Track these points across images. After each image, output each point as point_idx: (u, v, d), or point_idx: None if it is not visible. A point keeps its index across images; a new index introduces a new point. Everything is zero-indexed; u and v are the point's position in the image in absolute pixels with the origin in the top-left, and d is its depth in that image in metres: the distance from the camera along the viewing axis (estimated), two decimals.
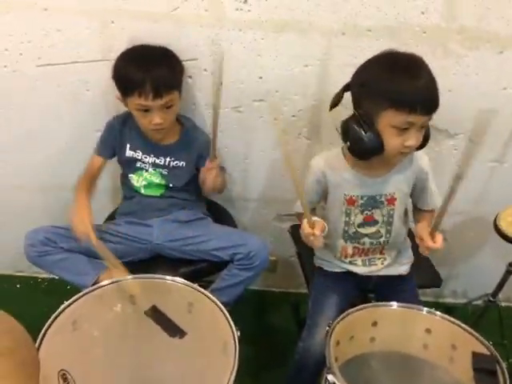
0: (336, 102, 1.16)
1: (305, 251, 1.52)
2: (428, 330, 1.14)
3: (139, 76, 1.20)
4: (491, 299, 1.56)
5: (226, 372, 0.95)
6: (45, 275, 1.93)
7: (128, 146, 1.39)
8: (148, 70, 1.21)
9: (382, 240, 1.27)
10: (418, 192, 1.27)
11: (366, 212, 1.23)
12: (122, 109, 1.37)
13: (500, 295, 1.59)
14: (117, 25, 1.28)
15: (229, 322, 1.06)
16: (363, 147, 1.08)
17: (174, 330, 1.06)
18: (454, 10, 1.23)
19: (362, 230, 1.25)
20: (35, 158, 1.57)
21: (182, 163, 1.39)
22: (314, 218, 1.16)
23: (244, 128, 1.47)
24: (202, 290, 1.14)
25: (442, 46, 1.28)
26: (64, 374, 0.92)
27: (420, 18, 1.25)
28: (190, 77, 1.37)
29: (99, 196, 1.62)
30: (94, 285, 1.19)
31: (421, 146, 1.12)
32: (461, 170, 1.01)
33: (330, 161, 1.22)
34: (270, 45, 1.30)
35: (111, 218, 1.49)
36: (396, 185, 1.21)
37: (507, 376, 0.95)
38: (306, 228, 1.12)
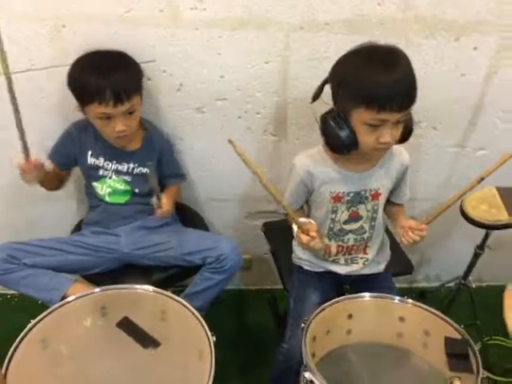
0: (316, 95, 1.15)
1: (279, 248, 1.52)
2: (401, 319, 1.15)
3: (98, 83, 1.16)
4: (462, 281, 1.60)
5: (203, 380, 0.93)
6: (14, 291, 1.87)
7: (89, 153, 1.35)
8: (106, 77, 1.17)
9: (365, 236, 1.26)
10: (395, 186, 1.27)
11: (351, 208, 1.22)
12: (81, 115, 1.32)
13: (471, 277, 1.63)
14: (69, 29, 1.23)
15: (204, 328, 1.05)
16: (338, 143, 1.08)
17: (147, 340, 1.04)
18: (409, 0, 1.24)
19: (347, 227, 1.25)
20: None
21: (145, 170, 1.36)
22: (302, 220, 1.16)
23: (208, 128, 1.45)
24: (174, 296, 1.12)
25: (399, 36, 1.29)
26: None
27: (376, 9, 1.25)
28: (149, 79, 1.34)
29: (65, 206, 1.58)
30: (62, 299, 1.16)
31: (403, 140, 1.12)
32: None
33: (314, 158, 1.20)
34: (228, 43, 1.28)
35: (77, 228, 1.45)
36: (380, 180, 1.21)
37: (479, 358, 0.98)
38: (303, 238, 1.12)
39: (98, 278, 1.32)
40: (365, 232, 1.26)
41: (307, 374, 0.97)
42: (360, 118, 1.04)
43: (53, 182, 1.39)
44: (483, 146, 1.57)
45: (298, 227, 1.13)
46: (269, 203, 1.66)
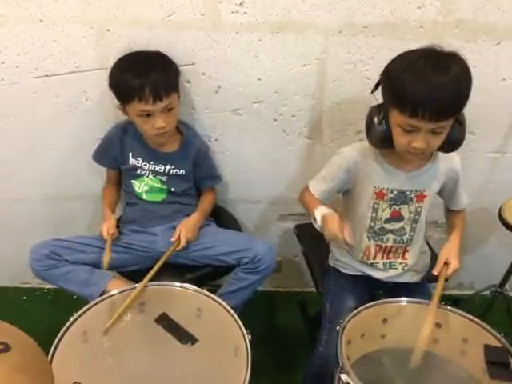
0: (375, 88, 1.12)
1: (311, 250, 1.52)
2: (438, 325, 1.14)
3: (137, 82, 1.20)
4: (499, 290, 1.56)
5: (239, 377, 0.95)
6: (50, 286, 1.93)
7: (131, 154, 1.39)
8: (145, 75, 1.21)
9: (405, 238, 1.25)
10: (449, 192, 1.25)
11: (394, 207, 1.20)
12: (122, 117, 1.37)
13: (507, 285, 1.60)
14: (113, 33, 1.27)
15: (239, 326, 1.06)
16: (373, 137, 1.09)
17: (185, 336, 1.05)
18: (449, 4, 1.23)
19: (388, 226, 1.23)
20: (37, 170, 1.56)
21: (181, 171, 1.39)
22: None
23: (244, 130, 1.47)
24: (211, 294, 1.14)
25: (439, 40, 1.27)
26: None
27: (416, 12, 1.25)
28: (189, 81, 1.37)
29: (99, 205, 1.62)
30: (101, 295, 1.19)
31: (447, 149, 1.10)
32: None
33: (362, 151, 1.19)
34: (267, 46, 1.30)
35: (116, 226, 1.48)
36: (427, 182, 1.19)
37: None
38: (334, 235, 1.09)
39: (134, 275, 1.35)
40: (405, 233, 1.24)
41: (344, 377, 0.97)
42: (394, 119, 1.04)
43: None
44: None
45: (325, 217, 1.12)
46: (301, 206, 1.67)
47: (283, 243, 1.75)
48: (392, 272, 1.29)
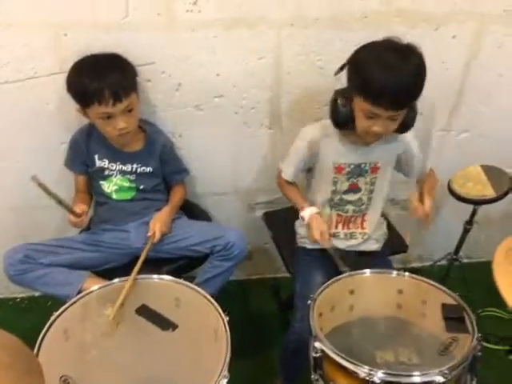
0: (337, 72, 1.22)
1: (280, 235, 1.60)
2: (400, 291, 1.23)
3: (95, 85, 1.22)
4: (454, 257, 1.69)
5: (220, 356, 1.00)
6: (23, 294, 1.91)
7: (96, 156, 1.41)
8: (102, 78, 1.23)
9: (363, 207, 1.36)
10: (406, 163, 1.35)
11: (351, 179, 1.31)
12: (84, 120, 1.38)
13: (462, 253, 1.72)
14: (70, 37, 1.29)
15: (217, 309, 1.11)
16: (337, 118, 1.19)
17: (165, 323, 1.10)
18: None
19: (347, 197, 1.34)
20: (3, 178, 1.56)
21: (149, 169, 1.43)
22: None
23: (207, 125, 1.51)
24: (188, 283, 1.19)
25: (383, 28, 1.36)
26: (66, 379, 0.95)
27: (360, 4, 1.34)
28: (149, 80, 1.40)
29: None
30: (78, 293, 1.22)
31: (401, 131, 1.21)
32: None
33: (322, 130, 1.29)
34: (222, 42, 1.35)
35: (87, 227, 1.50)
36: (380, 154, 1.30)
37: (474, 320, 1.06)
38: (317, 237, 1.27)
39: (109, 274, 1.38)
40: (363, 204, 1.35)
41: (317, 344, 1.04)
42: (358, 105, 1.13)
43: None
44: (466, 129, 1.67)
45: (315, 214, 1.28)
46: (267, 194, 1.74)
47: (252, 232, 1.80)
48: (353, 241, 1.39)
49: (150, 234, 1.36)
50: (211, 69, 1.40)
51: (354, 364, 0.97)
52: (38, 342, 1.02)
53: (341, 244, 1.40)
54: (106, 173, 1.42)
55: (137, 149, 1.41)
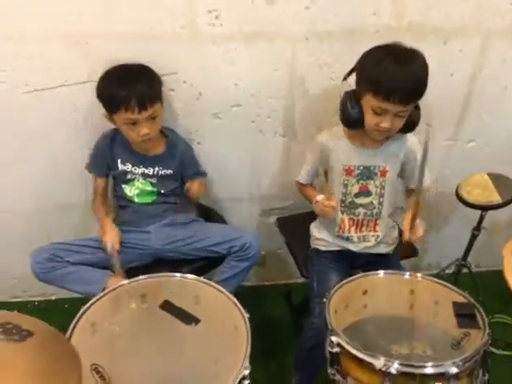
0: (346, 76, 1.32)
1: (293, 240, 1.65)
2: (412, 291, 1.28)
3: (123, 93, 1.30)
4: (462, 262, 1.73)
5: (241, 350, 1.04)
6: (40, 298, 1.97)
7: (119, 160, 1.48)
8: (130, 87, 1.31)
9: (375, 211, 1.41)
10: (408, 172, 1.42)
11: (361, 182, 1.38)
12: (108, 125, 1.46)
13: (470, 259, 1.76)
14: (98, 47, 1.37)
15: (237, 307, 1.16)
16: (347, 118, 1.27)
17: (188, 318, 1.15)
18: (401, 9, 1.40)
19: (358, 200, 1.40)
20: (29, 182, 1.63)
21: (169, 171, 1.49)
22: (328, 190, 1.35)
23: (224, 133, 1.59)
24: (208, 281, 1.24)
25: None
26: (96, 367, 1.00)
27: (372, 18, 1.41)
28: (172, 90, 1.48)
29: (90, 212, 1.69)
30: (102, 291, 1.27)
31: (407, 130, 1.29)
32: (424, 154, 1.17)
33: (332, 134, 1.39)
34: (242, 54, 1.43)
35: None
36: (387, 158, 1.37)
37: (485, 316, 1.11)
38: (326, 204, 1.31)
39: (131, 272, 1.43)
40: (374, 208, 1.41)
41: (334, 338, 1.09)
42: (368, 102, 1.22)
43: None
44: (473, 138, 1.73)
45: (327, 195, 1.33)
46: (281, 201, 1.80)
47: (266, 238, 1.85)
48: (366, 244, 1.45)
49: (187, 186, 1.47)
50: (230, 79, 1.48)
51: (371, 356, 1.02)
52: (68, 334, 1.07)
53: (354, 247, 1.45)
54: (129, 176, 1.48)
55: (159, 152, 1.48)
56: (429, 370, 0.99)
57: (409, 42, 1.44)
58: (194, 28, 1.37)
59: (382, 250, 1.47)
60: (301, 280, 2.09)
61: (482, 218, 1.61)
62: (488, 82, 1.58)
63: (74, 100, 1.46)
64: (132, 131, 1.37)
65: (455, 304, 1.18)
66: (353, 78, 1.30)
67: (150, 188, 1.49)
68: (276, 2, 1.35)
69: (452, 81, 1.56)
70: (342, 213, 1.42)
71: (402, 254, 1.56)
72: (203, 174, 1.59)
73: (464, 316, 1.14)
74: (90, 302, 1.16)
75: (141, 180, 1.49)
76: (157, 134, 1.43)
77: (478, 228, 1.64)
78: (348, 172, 1.37)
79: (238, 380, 0.99)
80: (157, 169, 1.48)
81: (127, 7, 1.32)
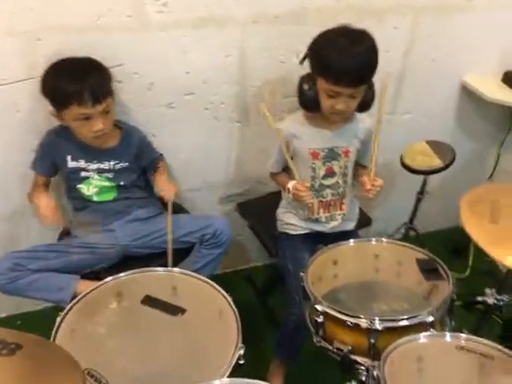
0: (301, 61, 1.33)
1: (256, 222, 1.68)
2: (376, 256, 1.37)
3: (74, 86, 1.24)
4: (410, 226, 1.87)
5: (230, 332, 1.05)
6: (15, 312, 1.82)
7: (69, 157, 1.40)
8: (82, 80, 1.25)
9: (340, 190, 1.46)
10: (365, 150, 1.47)
11: (327, 164, 1.42)
12: (54, 124, 1.39)
13: (416, 222, 1.91)
14: (42, 41, 1.29)
15: (217, 290, 1.17)
16: (304, 101, 1.31)
17: (173, 309, 1.14)
18: None
19: (325, 182, 1.44)
20: None
21: (126, 164, 1.44)
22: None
23: (179, 122, 1.57)
24: (182, 270, 1.23)
25: (335, 22, 1.49)
26: (89, 371, 0.96)
27: (316, 0, 1.47)
28: (120, 81, 1.43)
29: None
30: (73, 297, 1.22)
31: (362, 109, 1.34)
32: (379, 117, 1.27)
33: (294, 120, 1.41)
34: (191, 41, 1.42)
35: (66, 233, 1.49)
36: (349, 139, 1.42)
37: (447, 269, 1.22)
38: (301, 189, 1.33)
39: (100, 275, 1.38)
40: (339, 187, 1.46)
41: (319, 307, 1.14)
42: (321, 85, 1.26)
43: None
44: (409, 111, 1.86)
45: (300, 183, 1.35)
46: (237, 187, 1.82)
47: None
48: (333, 223, 1.50)
49: (162, 195, 1.44)
50: (181, 67, 1.46)
51: (356, 317, 1.09)
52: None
53: (323, 228, 1.49)
54: (83, 174, 1.41)
55: (113, 144, 1.42)
56: (408, 322, 1.08)
57: (347, 22, 1.53)
58: (142, 16, 1.33)
59: (348, 226, 1.54)
60: (260, 263, 2.15)
61: (425, 183, 1.75)
62: (418, 56, 1.71)
63: (14, 99, 1.36)
64: (83, 127, 1.31)
65: (418, 260, 1.29)
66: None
67: (108, 183, 1.43)
68: None
69: (388, 57, 1.66)
70: (312, 197, 1.43)
71: (357, 225, 1.66)
72: (161, 156, 1.55)
73: (428, 271, 1.25)
74: (67, 308, 1.11)
75: (96, 176, 1.42)
76: (110, 129, 1.37)
77: (421, 192, 1.78)
78: (314, 155, 1.40)
79: (234, 360, 1.01)
80: (112, 162, 1.42)
81: None
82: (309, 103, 1.31)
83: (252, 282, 2.03)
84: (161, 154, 1.57)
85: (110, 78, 1.36)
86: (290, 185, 1.37)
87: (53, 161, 1.41)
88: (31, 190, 1.45)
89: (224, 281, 2.02)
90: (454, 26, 1.67)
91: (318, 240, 1.52)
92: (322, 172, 1.43)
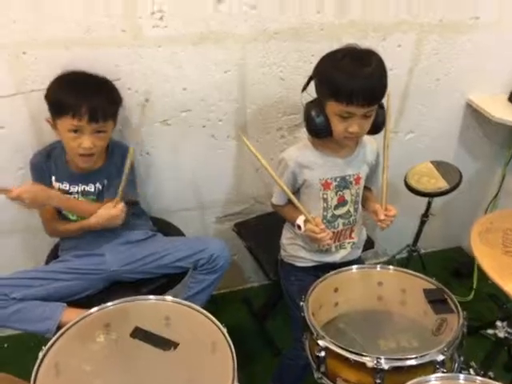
0: (305, 86, 1.27)
1: (254, 243, 1.62)
2: (380, 283, 1.30)
3: (76, 100, 1.19)
4: (413, 248, 1.81)
5: (223, 367, 0.99)
6: (1, 334, 1.73)
7: (53, 178, 1.34)
8: (87, 97, 1.20)
9: (351, 219, 1.37)
10: (372, 173, 1.40)
11: (339, 193, 1.33)
12: (44, 142, 1.33)
13: (419, 244, 1.85)
14: (29, 55, 1.23)
15: (213, 322, 1.11)
16: (314, 128, 1.22)
17: (165, 343, 1.07)
18: (343, 7, 1.42)
19: (337, 212, 1.35)
20: None
21: (112, 182, 1.35)
22: (311, 215, 1.25)
23: (174, 140, 1.51)
24: (176, 299, 1.16)
25: (337, 39, 1.46)
26: None
27: (316, 17, 1.41)
28: None
29: (34, 236, 1.52)
30: (59, 327, 1.14)
31: (374, 132, 1.27)
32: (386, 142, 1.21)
33: (301, 149, 1.31)
34: (189, 57, 1.36)
35: (54, 256, 1.41)
36: (359, 166, 1.34)
37: (456, 300, 1.15)
38: (317, 231, 1.23)
39: (86, 302, 1.31)
40: (351, 216, 1.37)
41: (321, 342, 1.07)
42: (332, 109, 1.18)
43: None
44: (411, 130, 1.81)
45: (306, 220, 1.24)
46: (235, 206, 1.76)
47: None
48: (343, 252, 1.41)
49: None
50: (178, 83, 1.40)
51: (361, 355, 1.02)
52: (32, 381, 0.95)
53: (333, 258, 1.40)
54: None
55: (98, 166, 1.35)
56: (416, 361, 1.01)
57: (351, 40, 1.48)
58: (137, 31, 1.28)
59: (356, 254, 1.45)
60: (256, 284, 2.08)
61: (429, 205, 1.69)
62: (423, 75, 1.66)
63: (1, 116, 1.30)
64: (73, 141, 1.24)
65: (425, 290, 1.22)
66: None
67: None
68: (223, 0, 1.30)
69: (392, 75, 1.61)
70: (330, 237, 1.31)
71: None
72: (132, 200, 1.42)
73: (436, 302, 1.18)
74: (51, 341, 1.04)
75: (81, 198, 1.35)
76: (99, 152, 1.30)
77: (426, 214, 1.72)
78: (326, 186, 1.31)
79: None
80: (98, 185, 1.35)
81: (60, 11, 1.20)
82: (320, 130, 1.22)
83: (249, 304, 1.96)
84: (136, 201, 1.45)
85: (118, 104, 1.32)
86: (301, 223, 1.27)
87: (45, 182, 1.34)
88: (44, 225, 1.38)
89: (220, 302, 2.00)
90: (460, 44, 1.63)
91: (327, 271, 1.43)
92: (334, 202, 1.34)
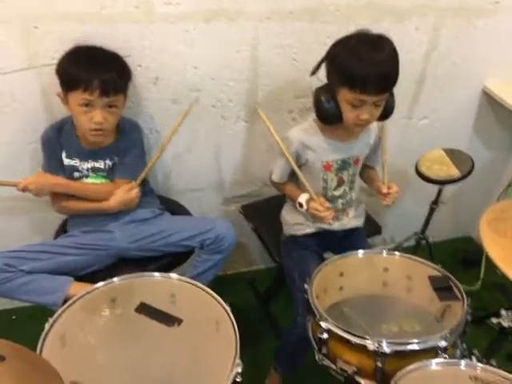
0: (314, 70, 1.26)
1: (260, 225, 1.62)
2: (386, 269, 1.30)
3: (87, 73, 1.19)
4: (421, 236, 1.80)
5: (226, 346, 0.99)
6: (10, 306, 1.77)
7: (64, 154, 1.34)
8: (98, 71, 1.20)
9: (348, 198, 1.40)
10: (373, 151, 1.41)
11: (338, 174, 1.35)
12: (54, 117, 1.33)
13: (427, 232, 1.84)
14: (42, 30, 1.23)
15: (217, 300, 1.11)
16: (325, 115, 1.21)
17: (169, 319, 1.08)
18: None
19: (336, 193, 1.38)
20: None
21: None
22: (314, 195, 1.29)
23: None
24: (181, 277, 1.17)
25: (353, 21, 1.43)
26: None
27: None
28: None
29: (44, 210, 1.53)
30: (65, 300, 1.16)
31: (384, 118, 1.27)
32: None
33: (307, 131, 1.31)
34: (201, 35, 1.34)
35: (63, 230, 1.43)
36: (362, 148, 1.35)
37: (461, 288, 1.15)
38: (321, 209, 1.27)
39: (92, 278, 1.32)
40: (347, 195, 1.40)
41: (323, 324, 1.07)
42: (344, 96, 1.17)
43: None
44: (426, 115, 1.78)
45: (310, 198, 1.28)
46: (243, 187, 1.75)
47: None
48: (344, 221, 1.43)
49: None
50: (189, 62, 1.39)
51: (362, 338, 1.02)
52: (38, 350, 0.97)
53: (332, 227, 1.41)
54: (77, 175, 1.35)
55: (108, 143, 1.35)
56: (418, 346, 1.01)
57: (366, 22, 1.45)
58: (149, 7, 1.26)
59: (358, 222, 1.47)
60: (263, 266, 2.09)
61: (440, 193, 1.67)
62: (440, 59, 1.63)
63: (13, 90, 1.30)
64: (84, 115, 1.23)
65: (431, 278, 1.22)
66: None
67: (103, 182, 1.37)
68: None
69: (408, 59, 1.58)
70: (332, 215, 1.35)
71: (367, 232, 1.59)
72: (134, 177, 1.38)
73: (441, 289, 1.17)
74: (57, 312, 1.06)
75: (91, 174, 1.36)
76: (110, 128, 1.30)
77: (436, 202, 1.70)
78: (326, 167, 1.33)
79: (231, 378, 0.95)
80: (108, 162, 1.36)
81: None
82: (330, 116, 1.22)
83: (253, 285, 1.97)
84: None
85: (129, 79, 1.31)
86: (304, 201, 1.30)
87: (57, 157, 1.35)
88: (61, 204, 1.37)
89: (225, 283, 2.01)
90: (479, 29, 1.58)
91: (327, 240, 1.44)
92: (334, 183, 1.36)
